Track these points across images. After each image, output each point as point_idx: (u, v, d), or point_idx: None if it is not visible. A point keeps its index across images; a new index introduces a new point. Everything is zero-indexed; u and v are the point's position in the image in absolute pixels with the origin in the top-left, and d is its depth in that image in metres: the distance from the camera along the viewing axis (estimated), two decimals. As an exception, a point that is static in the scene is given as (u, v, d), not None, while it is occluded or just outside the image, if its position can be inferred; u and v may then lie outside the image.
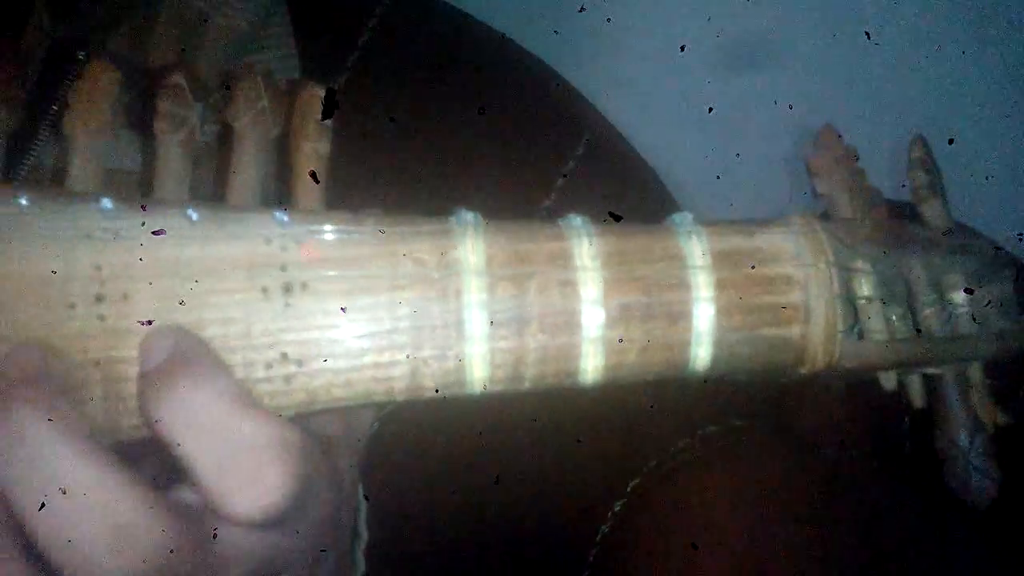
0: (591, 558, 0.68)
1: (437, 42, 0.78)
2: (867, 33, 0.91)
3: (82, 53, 0.50)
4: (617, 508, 0.66)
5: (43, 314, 0.27)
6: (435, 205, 0.33)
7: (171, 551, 0.26)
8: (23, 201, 0.27)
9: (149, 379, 0.27)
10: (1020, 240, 0.34)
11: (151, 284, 0.27)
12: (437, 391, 0.29)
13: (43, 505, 0.25)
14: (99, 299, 0.27)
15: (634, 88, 0.90)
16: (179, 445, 0.26)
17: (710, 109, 0.94)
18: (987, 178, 0.91)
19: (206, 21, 0.54)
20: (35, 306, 0.27)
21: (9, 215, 0.27)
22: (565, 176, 0.74)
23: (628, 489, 0.67)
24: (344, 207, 0.29)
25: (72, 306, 0.27)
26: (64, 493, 0.25)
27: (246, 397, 0.27)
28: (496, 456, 0.70)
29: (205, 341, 0.27)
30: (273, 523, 0.27)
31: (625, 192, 0.81)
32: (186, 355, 0.27)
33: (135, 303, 0.27)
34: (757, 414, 0.69)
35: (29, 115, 0.30)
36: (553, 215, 0.31)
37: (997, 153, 0.94)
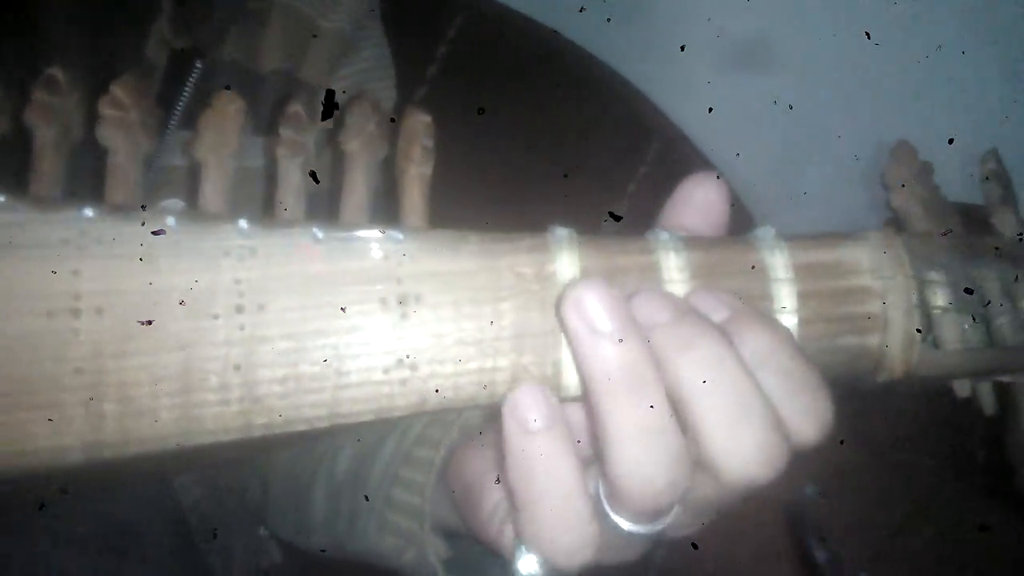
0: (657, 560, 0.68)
1: (511, 51, 0.79)
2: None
3: (199, 62, 0.53)
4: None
5: (193, 324, 0.28)
6: (511, 208, 0.33)
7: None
8: (170, 221, 0.28)
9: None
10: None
11: (283, 296, 0.29)
12: None
13: None
14: (239, 310, 0.28)
15: (702, 93, 0.90)
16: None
17: (790, 107, 0.93)
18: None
19: (313, 26, 0.56)
20: (185, 317, 0.28)
21: (159, 232, 0.28)
22: (637, 181, 0.75)
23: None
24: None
25: (216, 316, 0.29)
26: None
27: None
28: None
29: None
30: None
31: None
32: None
33: (270, 313, 0.29)
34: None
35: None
36: (626, 220, 0.31)
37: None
